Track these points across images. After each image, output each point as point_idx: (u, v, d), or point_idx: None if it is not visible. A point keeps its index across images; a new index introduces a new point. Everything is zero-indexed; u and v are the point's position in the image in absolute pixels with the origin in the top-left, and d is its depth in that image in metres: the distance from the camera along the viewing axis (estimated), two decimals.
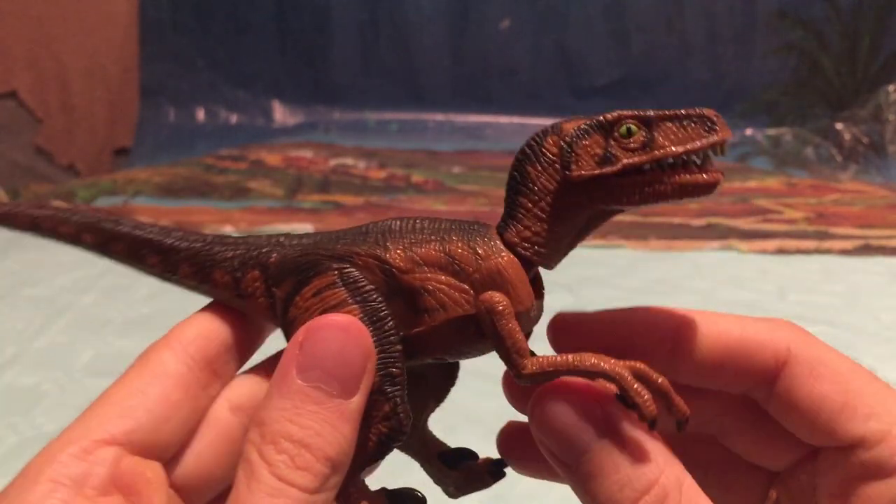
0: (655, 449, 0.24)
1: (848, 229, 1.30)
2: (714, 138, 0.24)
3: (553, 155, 0.25)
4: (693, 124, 0.25)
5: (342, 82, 2.08)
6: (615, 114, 0.25)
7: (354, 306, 0.26)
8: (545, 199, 0.26)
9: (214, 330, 0.29)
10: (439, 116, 2.06)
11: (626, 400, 0.24)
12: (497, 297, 0.25)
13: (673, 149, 0.24)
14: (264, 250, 0.28)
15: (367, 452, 0.25)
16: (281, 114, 2.08)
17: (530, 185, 0.26)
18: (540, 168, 0.26)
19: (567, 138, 0.25)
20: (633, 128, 0.25)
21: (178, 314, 0.99)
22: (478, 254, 0.26)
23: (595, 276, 1.02)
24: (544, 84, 2.04)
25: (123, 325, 0.91)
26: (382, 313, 0.26)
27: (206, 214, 1.35)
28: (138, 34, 1.98)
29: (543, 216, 0.26)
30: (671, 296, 0.94)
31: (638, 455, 0.24)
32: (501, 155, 1.81)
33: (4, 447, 0.69)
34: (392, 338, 0.25)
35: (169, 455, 0.27)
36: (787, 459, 0.28)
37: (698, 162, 0.25)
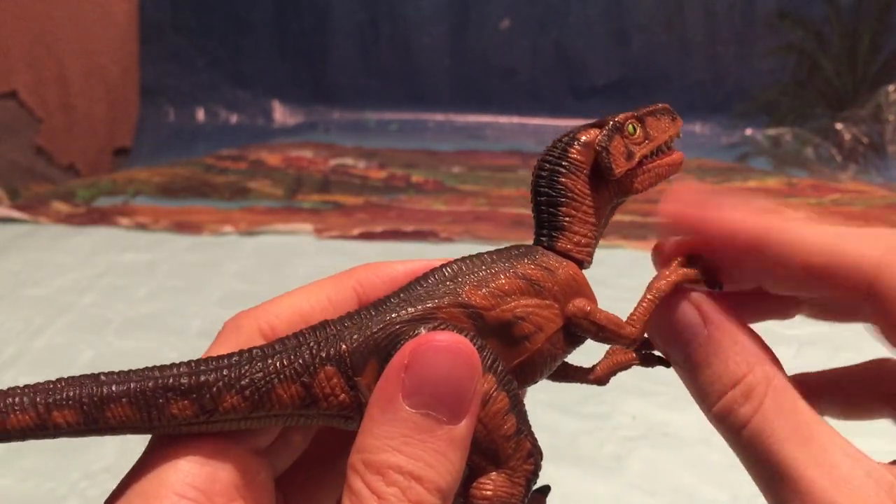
0: (748, 348, 0.25)
1: None
2: (679, 124, 0.30)
3: (581, 163, 0.28)
4: (664, 116, 0.30)
5: (342, 82, 2.08)
6: (621, 117, 0.29)
7: None
8: (585, 203, 0.29)
9: (307, 312, 0.27)
10: (439, 116, 2.06)
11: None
12: (583, 301, 0.28)
13: (662, 137, 0.30)
14: (324, 343, 0.25)
15: (521, 496, 0.25)
16: (281, 114, 2.09)
17: (570, 194, 0.28)
18: (574, 177, 0.28)
19: (601, 144, 0.28)
20: (635, 126, 0.29)
21: (178, 314, 0.99)
22: (548, 269, 0.27)
23: (595, 276, 1.02)
24: (544, 84, 2.04)
25: (123, 325, 0.91)
26: (493, 356, 0.25)
27: (206, 214, 1.35)
28: (138, 34, 1.98)
29: (585, 218, 0.29)
30: None
31: (729, 353, 0.25)
32: (501, 155, 1.81)
33: (4, 447, 0.69)
34: (509, 376, 0.25)
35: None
36: None
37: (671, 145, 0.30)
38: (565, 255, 0.28)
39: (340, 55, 2.07)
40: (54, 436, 0.24)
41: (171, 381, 0.24)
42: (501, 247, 0.28)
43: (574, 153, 0.28)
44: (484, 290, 0.26)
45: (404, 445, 0.22)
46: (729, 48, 2.01)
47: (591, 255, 0.29)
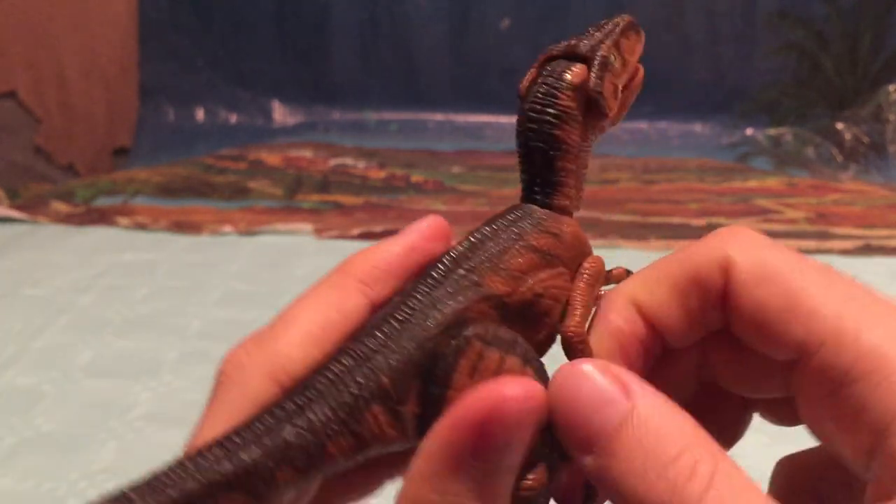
0: (684, 424, 0.21)
1: (848, 229, 1.30)
2: (643, 37, 0.28)
3: (573, 109, 0.26)
4: (631, 33, 0.27)
5: (342, 82, 2.08)
6: (604, 49, 0.26)
7: (516, 358, 0.23)
8: (576, 153, 0.26)
9: (318, 335, 0.24)
10: (439, 116, 2.06)
11: None
12: (600, 260, 0.26)
13: (634, 59, 0.27)
14: (363, 380, 0.22)
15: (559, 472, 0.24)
16: (281, 114, 2.08)
17: (563, 146, 0.26)
18: (567, 127, 0.26)
19: (597, 90, 0.25)
20: (615, 55, 0.26)
21: (178, 314, 0.99)
22: (553, 233, 0.25)
23: None
24: None
25: (123, 325, 0.91)
26: (525, 347, 0.24)
27: (205, 214, 1.35)
28: (138, 34, 1.98)
29: (576, 169, 0.26)
30: None
31: (662, 430, 0.20)
32: (501, 155, 1.81)
33: (3, 447, 0.69)
34: (540, 362, 0.24)
35: None
36: (771, 384, 0.25)
37: None
38: (562, 210, 0.26)
39: (340, 55, 2.06)
40: None
41: (213, 475, 0.20)
42: (495, 215, 0.26)
43: (565, 100, 0.25)
44: (501, 273, 0.24)
45: (476, 499, 0.21)
46: (729, 48, 2.00)
47: (579, 208, 0.27)
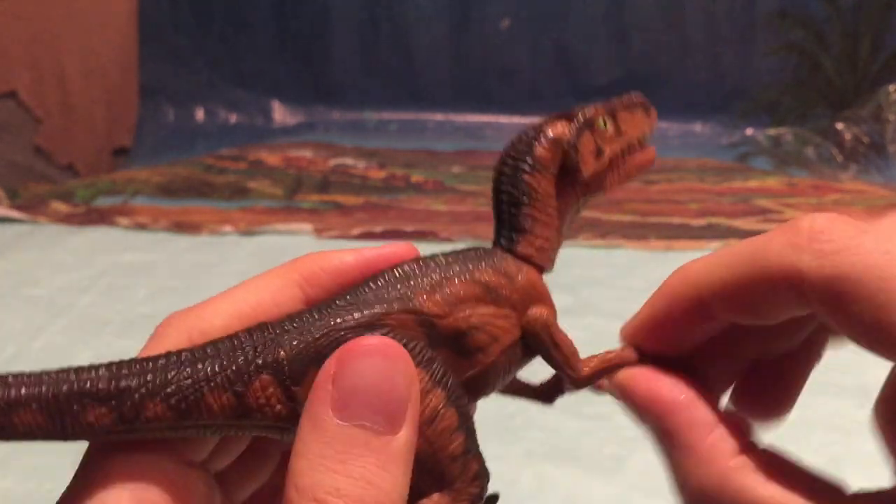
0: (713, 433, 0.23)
1: None
2: (654, 118, 0.28)
3: (547, 160, 0.26)
4: (637, 109, 0.27)
5: (342, 82, 2.08)
6: (591, 110, 0.27)
7: (427, 376, 0.23)
8: (549, 204, 0.26)
9: (246, 313, 0.25)
10: (439, 116, 2.06)
11: None
12: (545, 311, 0.26)
13: (635, 133, 0.27)
14: (261, 348, 0.23)
15: None
16: (281, 114, 2.08)
17: (533, 194, 0.26)
18: (539, 176, 0.26)
19: (569, 142, 0.26)
20: (606, 120, 0.27)
21: None
22: (506, 275, 0.25)
23: (595, 276, 1.02)
24: (544, 84, 2.04)
25: (123, 326, 0.91)
26: (443, 369, 0.23)
27: (205, 214, 1.35)
28: (137, 34, 1.98)
29: (549, 221, 0.26)
30: None
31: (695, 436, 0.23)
32: None
33: (3, 447, 0.69)
34: (459, 391, 0.24)
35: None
36: None
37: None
38: (526, 259, 0.26)
39: (340, 55, 2.07)
40: None
41: (87, 385, 0.22)
42: (458, 248, 0.26)
43: (540, 150, 0.26)
44: (437, 295, 0.24)
45: (340, 464, 0.20)
46: (729, 48, 2.00)
47: (552, 259, 0.27)
